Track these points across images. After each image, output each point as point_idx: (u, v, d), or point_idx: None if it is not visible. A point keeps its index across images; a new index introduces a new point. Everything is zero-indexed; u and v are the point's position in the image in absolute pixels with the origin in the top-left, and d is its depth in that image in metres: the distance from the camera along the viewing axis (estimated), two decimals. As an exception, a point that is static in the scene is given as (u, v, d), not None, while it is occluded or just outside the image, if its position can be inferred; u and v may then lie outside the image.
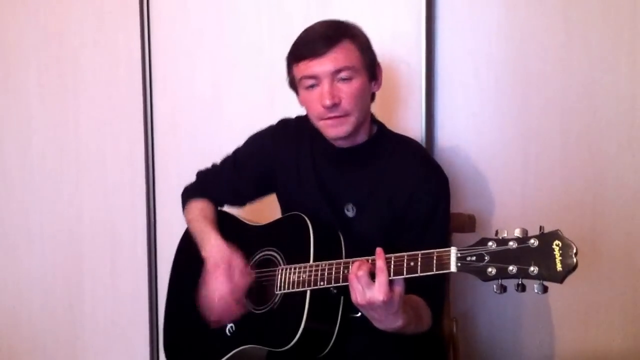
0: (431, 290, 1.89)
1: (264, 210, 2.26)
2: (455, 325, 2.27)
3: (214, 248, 2.01)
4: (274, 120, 2.20)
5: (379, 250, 1.67)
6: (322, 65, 1.86)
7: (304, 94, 1.94)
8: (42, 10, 2.96)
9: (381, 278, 1.63)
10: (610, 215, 2.39)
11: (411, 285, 1.77)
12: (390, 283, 1.64)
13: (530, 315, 2.52)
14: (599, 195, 2.39)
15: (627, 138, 2.36)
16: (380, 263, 1.65)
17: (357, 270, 1.67)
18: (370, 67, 1.94)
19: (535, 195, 2.44)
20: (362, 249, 1.73)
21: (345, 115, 1.90)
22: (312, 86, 1.90)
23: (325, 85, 1.87)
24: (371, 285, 1.64)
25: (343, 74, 1.87)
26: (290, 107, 2.09)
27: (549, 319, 2.49)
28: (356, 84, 1.89)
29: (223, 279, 1.93)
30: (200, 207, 2.19)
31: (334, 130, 1.93)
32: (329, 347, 1.86)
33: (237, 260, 1.96)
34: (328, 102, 1.86)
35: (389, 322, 1.69)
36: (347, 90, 1.88)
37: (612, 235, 2.40)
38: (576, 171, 2.40)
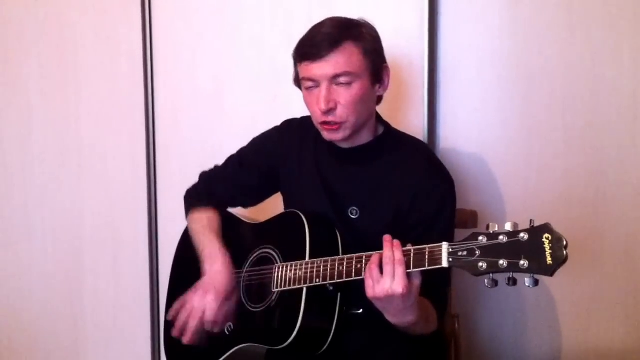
0: (436, 292, 1.88)
1: (266, 209, 2.26)
2: (457, 322, 2.26)
3: (220, 272, 1.99)
4: (275, 116, 2.20)
5: (396, 242, 1.66)
6: (321, 69, 1.84)
7: (305, 94, 1.94)
8: (42, 3, 2.97)
9: (399, 270, 1.63)
10: (613, 212, 2.37)
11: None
12: (409, 276, 1.63)
13: (531, 312, 2.50)
14: (601, 191, 2.37)
15: (630, 134, 2.33)
16: (398, 255, 1.64)
17: (376, 261, 1.66)
18: (374, 71, 1.91)
19: (538, 191, 2.42)
20: (367, 250, 1.71)
21: (341, 122, 1.89)
22: (311, 88, 1.89)
23: (322, 89, 1.86)
24: (392, 276, 1.63)
25: (342, 79, 1.85)
26: (292, 103, 2.09)
27: (550, 316, 2.47)
28: (355, 89, 1.87)
29: (217, 302, 1.94)
30: (208, 218, 2.17)
31: (329, 135, 1.92)
32: (327, 344, 1.85)
33: (236, 299, 1.98)
34: (323, 107, 1.85)
35: (402, 315, 1.69)
36: (346, 96, 1.86)
37: (614, 231, 2.37)
38: (578, 167, 2.38)
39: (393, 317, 1.70)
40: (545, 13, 2.37)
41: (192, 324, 1.94)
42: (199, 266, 2.05)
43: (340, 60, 1.84)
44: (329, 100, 1.85)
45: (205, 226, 2.14)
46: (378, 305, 1.71)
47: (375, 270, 1.65)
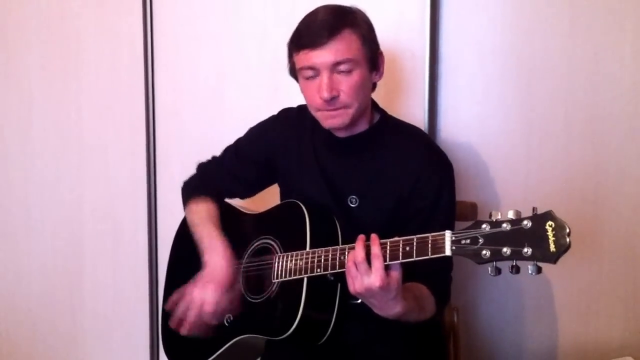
0: (436, 278, 1.88)
1: (264, 199, 2.26)
2: (456, 315, 2.27)
3: (220, 264, 1.98)
4: (276, 108, 2.19)
5: (373, 236, 1.67)
6: (321, 57, 1.83)
7: (303, 84, 1.92)
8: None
9: (377, 264, 1.63)
10: (612, 205, 2.38)
11: (415, 274, 1.79)
12: (387, 268, 1.63)
13: (531, 305, 2.51)
14: (601, 185, 2.38)
15: (630, 128, 2.34)
16: (375, 249, 1.64)
17: (352, 258, 1.66)
18: (371, 58, 1.91)
19: (538, 184, 2.43)
20: (367, 239, 1.70)
21: (344, 107, 1.87)
22: (311, 77, 1.88)
23: (324, 77, 1.84)
24: (367, 272, 1.64)
25: (343, 67, 1.84)
26: (294, 94, 2.08)
27: (549, 309, 2.48)
28: (356, 76, 1.86)
29: (217, 294, 1.93)
30: (206, 209, 2.16)
31: (330, 121, 1.91)
32: (328, 334, 1.85)
33: (236, 290, 1.97)
34: (326, 95, 1.84)
35: (388, 308, 1.68)
36: (347, 83, 1.85)
37: (613, 225, 2.38)
38: (579, 161, 2.39)
39: (379, 310, 1.70)
40: (547, 6, 2.37)
41: (191, 316, 1.94)
42: (197, 256, 2.04)
43: (340, 48, 1.83)
44: (332, 88, 1.84)
45: (203, 217, 2.13)
46: (363, 300, 1.71)
47: (352, 266, 1.66)
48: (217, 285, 1.94)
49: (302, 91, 1.94)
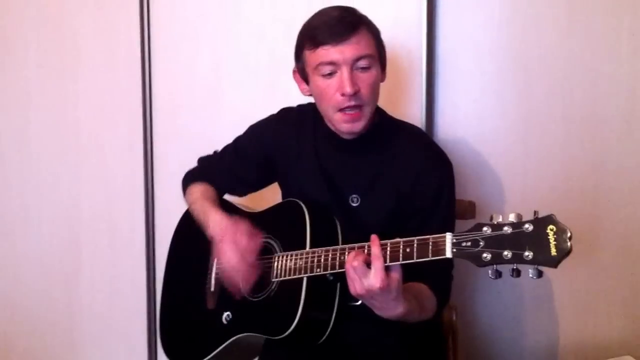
0: (437, 277, 1.88)
1: (263, 198, 2.26)
2: (454, 313, 2.26)
3: (216, 224, 1.99)
4: (274, 107, 2.19)
5: (373, 237, 1.66)
6: (342, 52, 1.82)
7: (319, 82, 1.89)
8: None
9: (377, 265, 1.62)
10: (611, 204, 2.38)
11: (416, 273, 1.78)
12: (387, 269, 1.63)
13: (530, 303, 2.51)
14: (599, 183, 2.38)
15: (628, 126, 2.34)
16: (375, 250, 1.63)
17: (352, 260, 1.65)
18: (382, 58, 1.92)
19: (536, 182, 2.43)
20: (368, 238, 1.69)
21: (362, 106, 1.87)
22: (329, 74, 1.86)
23: (344, 72, 1.83)
24: (367, 273, 1.63)
25: (362, 63, 1.84)
26: (291, 93, 2.08)
27: (549, 307, 2.48)
28: (373, 73, 1.87)
29: (230, 248, 1.90)
30: (202, 189, 2.18)
31: (350, 125, 1.90)
32: (326, 334, 1.85)
33: (242, 227, 1.93)
34: (349, 90, 1.82)
35: (390, 309, 1.68)
36: (366, 80, 1.85)
37: (612, 223, 2.39)
38: (577, 159, 2.39)
39: (380, 311, 1.70)
40: (544, 4, 2.37)
41: (232, 278, 1.93)
42: (196, 254, 2.06)
43: (361, 43, 1.83)
44: (354, 83, 1.83)
45: (199, 196, 2.15)
46: (364, 301, 1.71)
47: (351, 269, 1.65)
48: (227, 240, 1.92)
49: (318, 91, 1.91)
